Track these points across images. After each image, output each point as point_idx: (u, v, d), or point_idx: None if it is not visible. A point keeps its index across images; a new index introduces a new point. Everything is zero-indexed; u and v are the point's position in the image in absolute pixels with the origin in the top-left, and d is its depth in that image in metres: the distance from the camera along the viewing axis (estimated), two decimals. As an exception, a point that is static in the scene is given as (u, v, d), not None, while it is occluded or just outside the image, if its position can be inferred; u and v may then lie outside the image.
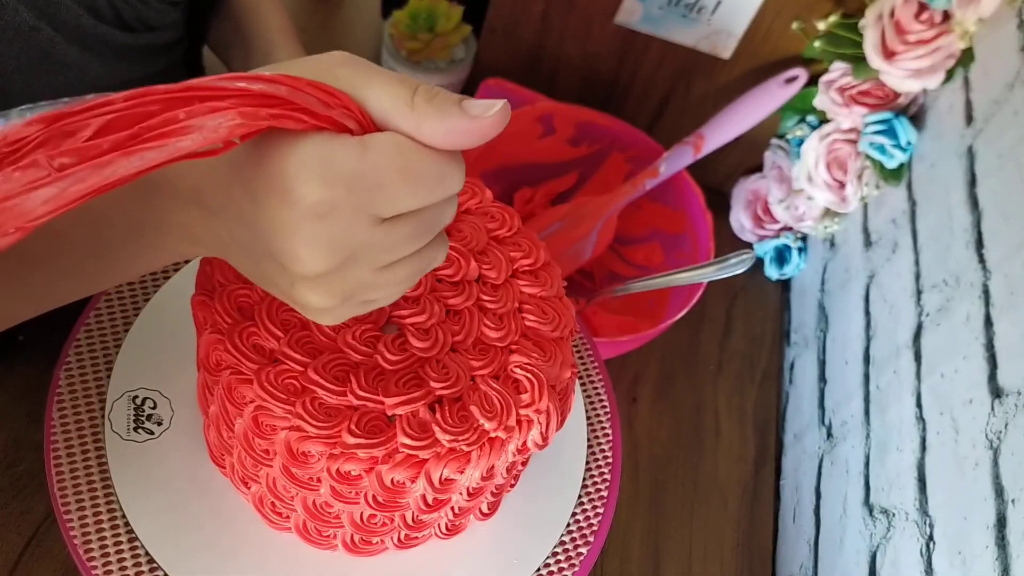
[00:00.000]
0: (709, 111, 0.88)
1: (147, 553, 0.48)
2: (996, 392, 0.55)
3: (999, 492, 0.52)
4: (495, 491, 0.52)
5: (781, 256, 0.95)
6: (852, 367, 0.76)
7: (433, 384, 0.43)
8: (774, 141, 0.93)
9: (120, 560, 0.47)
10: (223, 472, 0.51)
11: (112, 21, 0.59)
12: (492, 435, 0.43)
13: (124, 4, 0.59)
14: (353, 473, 0.42)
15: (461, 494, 0.46)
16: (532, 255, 0.52)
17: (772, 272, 0.96)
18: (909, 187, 0.77)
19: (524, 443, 0.45)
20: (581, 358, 0.65)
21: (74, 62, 0.57)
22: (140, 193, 0.35)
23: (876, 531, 0.64)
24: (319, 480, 0.44)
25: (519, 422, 0.44)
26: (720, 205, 0.99)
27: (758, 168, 0.97)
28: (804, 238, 0.95)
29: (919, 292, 0.69)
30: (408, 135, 0.32)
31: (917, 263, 0.71)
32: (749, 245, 0.98)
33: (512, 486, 0.57)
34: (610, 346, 0.77)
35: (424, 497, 0.45)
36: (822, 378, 0.82)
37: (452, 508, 0.48)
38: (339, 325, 0.45)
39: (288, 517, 0.49)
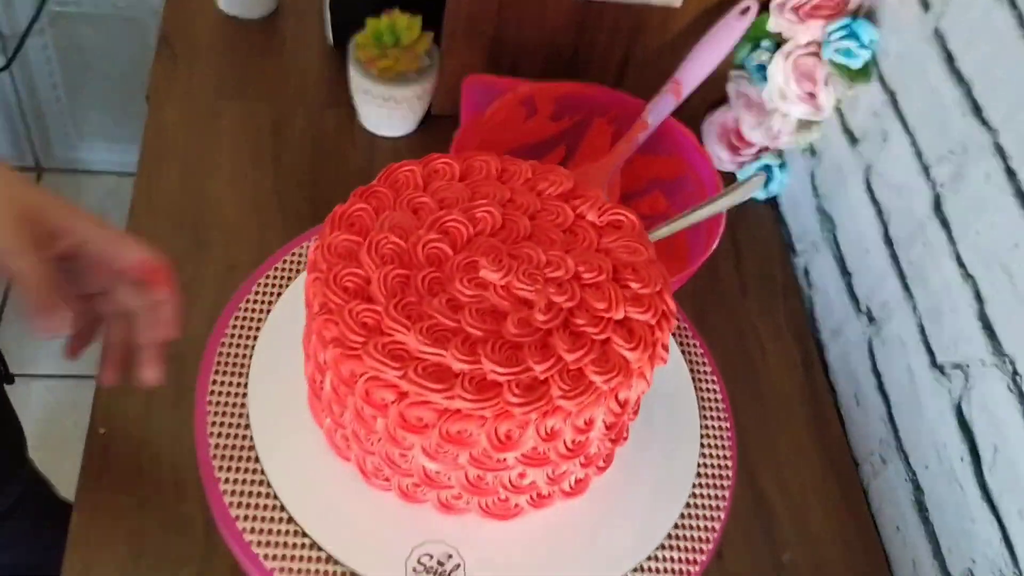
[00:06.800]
0: (669, 60, 0.93)
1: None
2: (1041, 230, 0.62)
3: (1074, 312, 0.58)
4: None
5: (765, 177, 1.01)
6: (875, 253, 0.83)
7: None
8: (733, 72, 0.99)
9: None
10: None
11: None
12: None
13: None
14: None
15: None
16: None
17: (759, 194, 1.02)
18: (881, 80, 0.84)
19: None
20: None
21: None
22: None
23: (954, 385, 0.71)
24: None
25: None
26: (694, 144, 1.04)
27: (721, 101, 1.03)
28: (781, 154, 1.01)
29: (926, 168, 0.75)
30: None
31: (914, 143, 0.77)
32: (732, 176, 1.03)
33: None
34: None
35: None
36: (844, 272, 0.89)
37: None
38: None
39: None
